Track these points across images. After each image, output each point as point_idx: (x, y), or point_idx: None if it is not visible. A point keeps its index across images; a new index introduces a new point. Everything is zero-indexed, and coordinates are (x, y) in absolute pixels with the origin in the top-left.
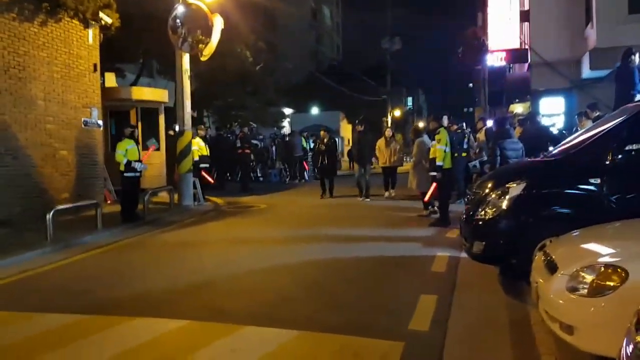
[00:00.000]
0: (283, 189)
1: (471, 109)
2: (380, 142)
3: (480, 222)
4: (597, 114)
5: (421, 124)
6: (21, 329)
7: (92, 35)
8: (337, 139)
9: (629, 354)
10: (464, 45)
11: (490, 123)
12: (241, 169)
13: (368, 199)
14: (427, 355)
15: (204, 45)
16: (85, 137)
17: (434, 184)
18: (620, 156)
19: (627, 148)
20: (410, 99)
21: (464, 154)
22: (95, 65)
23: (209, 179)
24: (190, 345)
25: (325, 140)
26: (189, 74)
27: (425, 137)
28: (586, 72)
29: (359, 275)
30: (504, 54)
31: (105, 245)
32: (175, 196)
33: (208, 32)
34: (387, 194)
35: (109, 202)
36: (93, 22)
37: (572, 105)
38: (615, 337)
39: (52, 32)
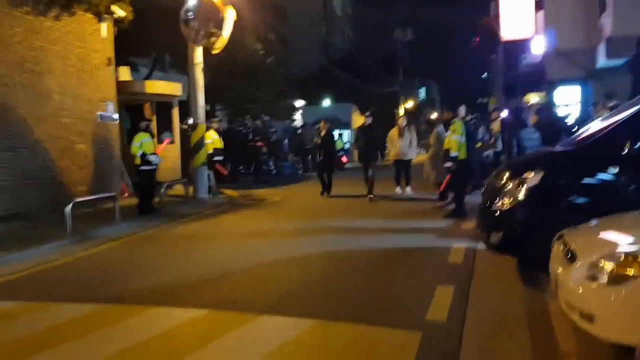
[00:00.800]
0: (296, 181)
1: (485, 100)
2: (393, 133)
3: (498, 213)
4: (614, 102)
5: (434, 115)
6: (41, 319)
7: (105, 29)
8: (333, 130)
9: None
10: (478, 35)
11: (505, 113)
12: (254, 161)
13: (372, 195)
14: (445, 346)
15: (216, 38)
16: (101, 131)
17: (449, 175)
18: (638, 145)
19: None
20: (423, 90)
21: (478, 145)
22: (109, 59)
23: (223, 171)
24: (208, 335)
25: (322, 133)
26: (201, 67)
27: (441, 127)
28: (602, 61)
29: (373, 267)
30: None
31: (123, 237)
32: (190, 189)
33: (220, 25)
34: (398, 189)
35: (125, 195)
36: (106, 16)
37: (588, 95)
38: (636, 325)
39: (66, 26)
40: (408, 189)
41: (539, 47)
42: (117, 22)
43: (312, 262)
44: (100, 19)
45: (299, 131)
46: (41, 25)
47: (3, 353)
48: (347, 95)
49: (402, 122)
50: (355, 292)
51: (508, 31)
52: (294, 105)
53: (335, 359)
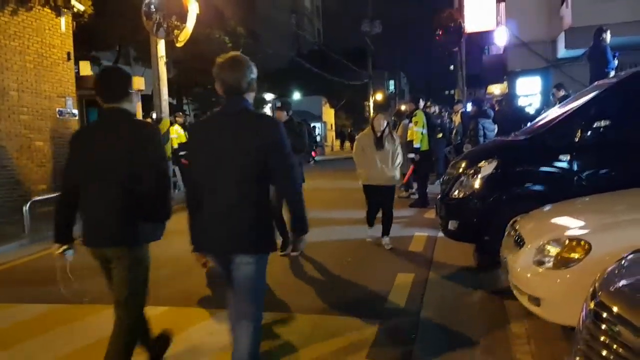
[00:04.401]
0: None
1: (452, 92)
2: (364, 139)
3: (454, 201)
4: (563, 93)
5: (403, 107)
6: None
7: (64, 24)
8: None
9: (584, 320)
10: (441, 27)
11: (469, 106)
12: None
13: (283, 253)
14: (402, 330)
15: (179, 31)
16: (60, 128)
17: (412, 166)
18: (589, 133)
19: (595, 125)
20: (392, 82)
21: (439, 136)
22: (69, 54)
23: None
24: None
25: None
26: (165, 60)
27: (406, 120)
28: (562, 51)
29: (337, 257)
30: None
31: None
32: None
33: (183, 18)
34: (370, 231)
35: None
36: (65, 10)
37: (549, 85)
38: (579, 307)
39: (24, 21)
40: (386, 239)
41: (501, 38)
42: (77, 16)
43: (275, 255)
44: (58, 13)
45: None
46: None
47: None
48: (317, 88)
49: (380, 122)
50: (318, 282)
51: (471, 23)
52: (264, 99)
53: (294, 350)
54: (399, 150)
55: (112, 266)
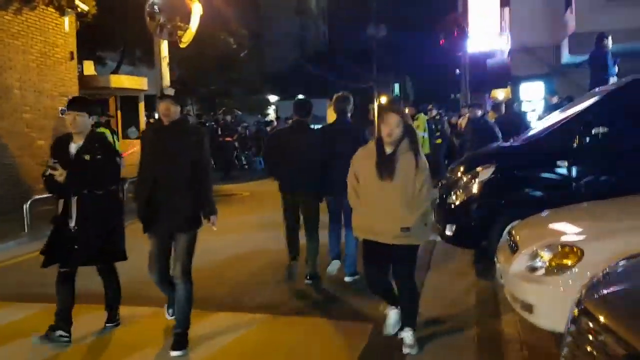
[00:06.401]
0: (267, 176)
1: (458, 96)
2: (359, 162)
3: (452, 206)
4: (556, 101)
5: (406, 111)
6: None
7: (68, 23)
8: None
9: (568, 327)
10: (445, 32)
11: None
12: (222, 157)
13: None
14: (394, 336)
15: (182, 32)
16: (62, 127)
17: None
18: (587, 139)
19: (593, 131)
20: (397, 86)
21: (438, 141)
22: (72, 54)
23: None
24: (165, 331)
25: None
26: (167, 61)
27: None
28: (566, 57)
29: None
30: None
31: None
32: None
33: (187, 19)
34: (390, 326)
35: None
36: (69, 10)
37: (552, 91)
38: None
39: (27, 20)
40: (407, 336)
41: (504, 43)
42: (81, 16)
43: (275, 257)
44: (62, 13)
45: (271, 126)
46: (1, 19)
47: None
48: (321, 90)
49: (392, 128)
50: (313, 286)
51: (475, 28)
52: (267, 100)
53: (286, 351)
54: (426, 178)
55: (302, 205)
